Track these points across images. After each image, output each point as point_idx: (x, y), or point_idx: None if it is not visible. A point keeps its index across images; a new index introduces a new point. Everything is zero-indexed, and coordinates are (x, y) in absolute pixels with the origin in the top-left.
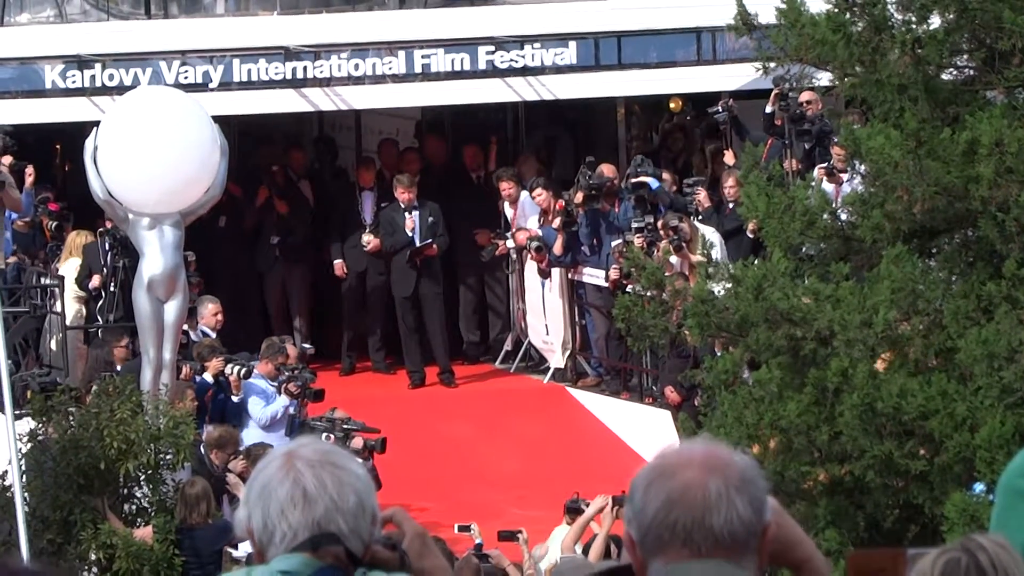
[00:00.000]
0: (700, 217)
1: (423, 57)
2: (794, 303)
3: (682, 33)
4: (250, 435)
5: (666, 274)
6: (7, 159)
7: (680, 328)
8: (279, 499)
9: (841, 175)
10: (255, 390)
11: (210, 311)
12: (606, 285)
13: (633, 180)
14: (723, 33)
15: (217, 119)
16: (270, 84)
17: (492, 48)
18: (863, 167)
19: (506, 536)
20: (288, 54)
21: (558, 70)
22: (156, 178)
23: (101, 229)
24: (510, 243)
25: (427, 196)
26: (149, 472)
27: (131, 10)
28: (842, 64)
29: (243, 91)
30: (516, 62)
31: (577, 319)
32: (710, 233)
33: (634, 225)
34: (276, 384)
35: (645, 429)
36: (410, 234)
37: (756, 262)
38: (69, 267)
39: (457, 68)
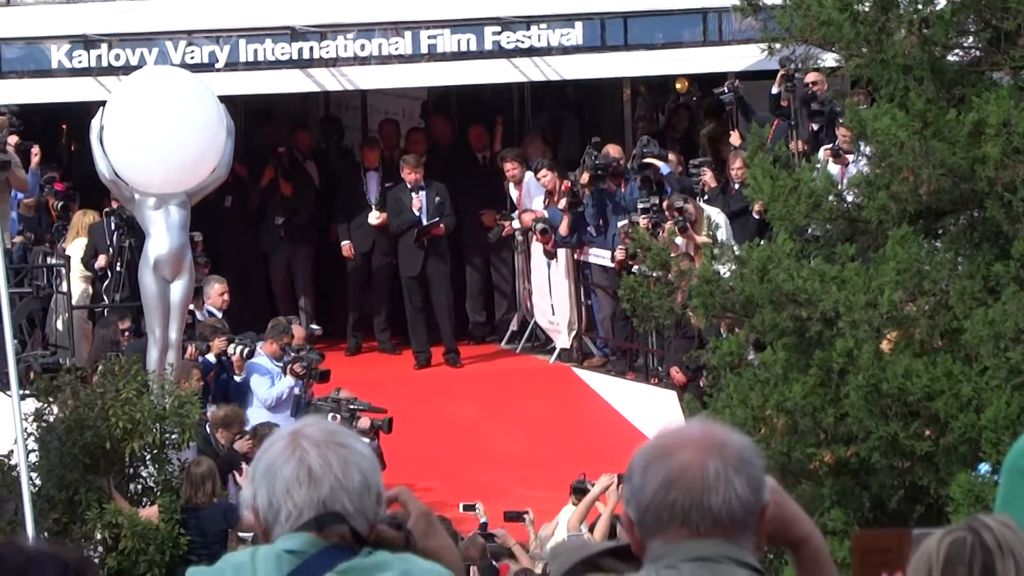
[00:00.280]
0: (706, 198)
1: (429, 37)
2: (799, 284)
3: (688, 14)
4: (254, 415)
5: (671, 255)
6: (13, 139)
7: (685, 309)
8: (284, 478)
9: (847, 156)
10: (258, 370)
11: (216, 291)
12: (612, 265)
13: (639, 161)
14: (729, 14)
15: (223, 99)
16: (276, 64)
17: (498, 28)
18: (869, 148)
19: (512, 516)
20: (294, 34)
21: (564, 50)
22: (162, 158)
23: (107, 209)
24: (516, 224)
25: (433, 176)
26: (155, 452)
27: None
28: (848, 44)
29: (249, 71)
30: (522, 42)
31: (583, 299)
32: (716, 214)
33: (640, 206)
34: (281, 364)
35: (651, 409)
36: (416, 214)
37: (761, 243)
38: (75, 247)
39: (463, 48)
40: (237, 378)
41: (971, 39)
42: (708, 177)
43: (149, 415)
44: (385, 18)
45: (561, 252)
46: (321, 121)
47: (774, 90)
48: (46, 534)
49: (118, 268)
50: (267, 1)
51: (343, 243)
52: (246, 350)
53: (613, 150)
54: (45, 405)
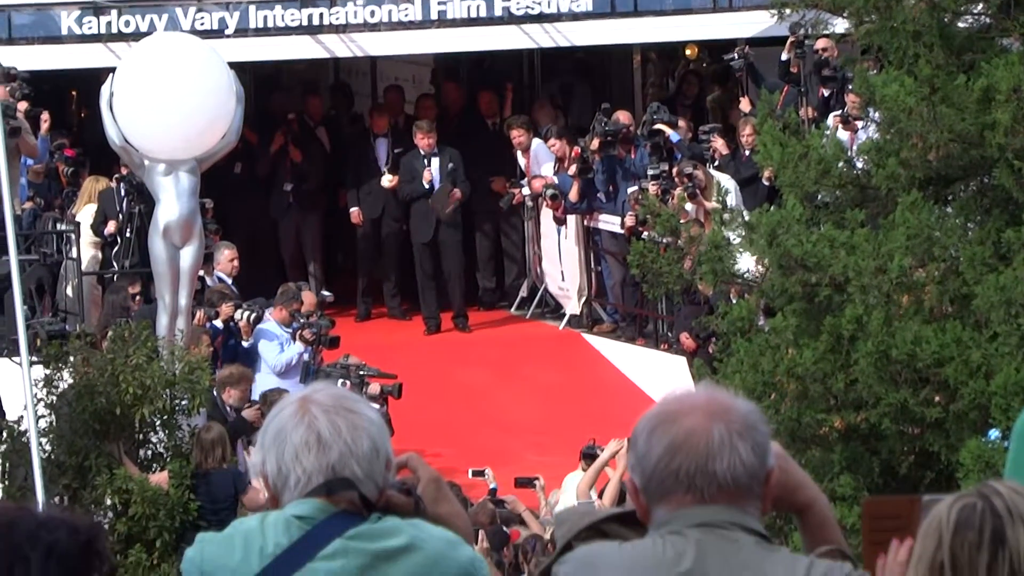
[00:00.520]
0: (716, 164)
1: (439, 4)
2: (808, 249)
3: None
4: (263, 381)
5: (681, 221)
6: (23, 105)
7: (695, 275)
8: (294, 444)
9: (856, 123)
10: (267, 336)
11: (226, 257)
12: (622, 232)
13: (649, 127)
14: None
15: (233, 65)
16: (286, 31)
17: None
18: (877, 115)
19: (523, 483)
20: (304, 0)
21: (574, 17)
22: (172, 124)
23: (117, 175)
24: (525, 191)
25: (442, 143)
26: (164, 417)
27: None
28: (857, 11)
29: (259, 37)
30: (532, 9)
31: (593, 266)
32: (726, 180)
33: (649, 172)
34: (290, 331)
35: (660, 375)
36: (427, 186)
37: (771, 209)
38: (85, 214)
39: (473, 15)
40: (245, 343)
41: (981, 5)
42: (720, 144)
43: (159, 381)
44: None
45: (571, 218)
46: (331, 87)
47: (784, 56)
48: (56, 500)
49: (128, 234)
50: None
51: (352, 209)
52: (253, 316)
53: (623, 116)
54: (55, 371)
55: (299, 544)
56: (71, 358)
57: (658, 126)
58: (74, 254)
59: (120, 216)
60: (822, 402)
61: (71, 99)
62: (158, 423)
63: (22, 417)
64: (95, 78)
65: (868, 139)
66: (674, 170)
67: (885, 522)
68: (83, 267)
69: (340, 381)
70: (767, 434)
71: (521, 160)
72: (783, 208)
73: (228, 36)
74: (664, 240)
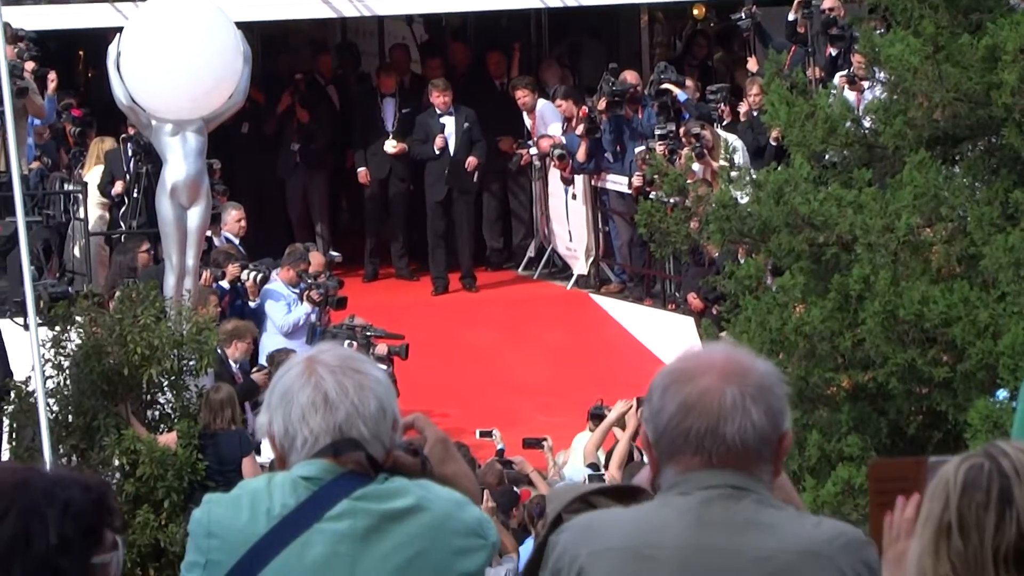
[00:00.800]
0: (724, 124)
1: None
2: (815, 207)
3: None
4: (269, 341)
5: (688, 181)
6: (30, 65)
7: (702, 234)
8: (300, 404)
9: (862, 83)
10: (273, 296)
11: (233, 217)
12: (629, 192)
13: (657, 87)
14: None
15: (240, 25)
16: None
17: None
18: (883, 74)
19: (531, 443)
20: None
21: None
22: (179, 84)
23: (124, 135)
24: (533, 151)
25: (457, 102)
26: (172, 378)
27: None
28: None
29: None
30: None
31: (600, 226)
32: (733, 139)
33: (657, 132)
34: (297, 291)
35: (668, 335)
36: (438, 152)
37: (779, 168)
38: (93, 174)
39: None
40: (252, 304)
41: None
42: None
43: (167, 341)
44: None
45: (578, 178)
46: (338, 47)
47: (791, 16)
48: (64, 460)
49: (135, 194)
50: None
51: (359, 169)
52: (260, 276)
53: (630, 76)
54: (63, 332)
55: (306, 505)
56: (78, 319)
57: (665, 86)
58: (81, 214)
59: (127, 176)
60: (830, 361)
61: (78, 59)
62: (166, 383)
63: (29, 378)
64: (102, 38)
65: (875, 99)
66: (681, 130)
67: (891, 484)
68: (90, 228)
69: (347, 342)
70: (783, 396)
71: (527, 120)
72: (791, 167)
73: None
74: (671, 200)
